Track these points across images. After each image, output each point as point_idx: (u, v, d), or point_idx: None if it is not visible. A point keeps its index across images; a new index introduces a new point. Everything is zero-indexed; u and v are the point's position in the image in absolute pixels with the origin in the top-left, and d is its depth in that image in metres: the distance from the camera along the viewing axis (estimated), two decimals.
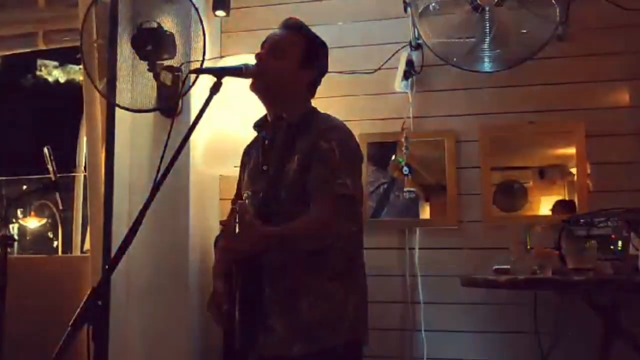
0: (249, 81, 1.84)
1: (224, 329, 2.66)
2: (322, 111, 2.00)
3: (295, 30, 1.94)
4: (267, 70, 1.85)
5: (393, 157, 2.80)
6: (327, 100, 2.07)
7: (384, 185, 2.83)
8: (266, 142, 1.94)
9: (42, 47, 3.46)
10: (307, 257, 1.76)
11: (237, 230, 1.60)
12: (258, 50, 1.91)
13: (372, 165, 2.81)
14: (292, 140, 1.84)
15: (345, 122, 1.96)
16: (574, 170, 2.66)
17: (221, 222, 1.66)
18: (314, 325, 1.76)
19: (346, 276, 1.82)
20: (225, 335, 2.66)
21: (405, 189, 2.77)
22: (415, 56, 2.79)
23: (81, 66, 2.72)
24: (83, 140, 3.90)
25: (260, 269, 1.79)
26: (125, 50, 2.42)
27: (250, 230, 1.61)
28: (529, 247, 2.34)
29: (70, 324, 1.34)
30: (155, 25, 2.40)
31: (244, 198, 1.86)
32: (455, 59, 2.59)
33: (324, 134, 1.80)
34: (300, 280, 1.77)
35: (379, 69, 2.81)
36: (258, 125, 2.00)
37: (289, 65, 1.88)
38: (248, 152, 2.08)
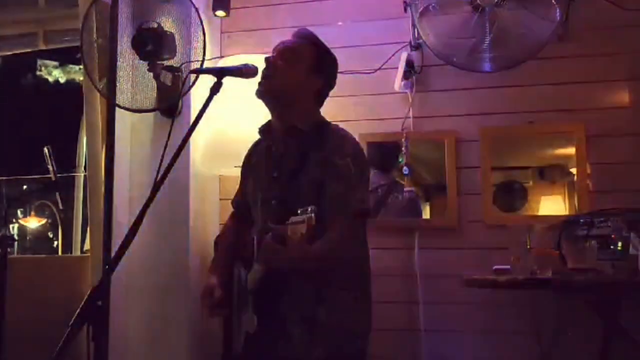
0: (249, 81, 1.84)
1: (224, 331, 2.67)
2: (323, 112, 2.01)
3: (307, 39, 1.98)
4: (276, 72, 1.88)
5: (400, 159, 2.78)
6: (327, 100, 2.07)
7: (384, 187, 2.82)
8: (274, 149, 1.95)
9: (42, 47, 3.46)
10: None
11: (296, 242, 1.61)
12: (258, 50, 1.92)
13: (371, 165, 2.79)
14: (305, 151, 1.86)
15: (345, 123, 1.97)
16: (574, 170, 2.65)
17: (281, 229, 1.67)
18: (332, 332, 1.80)
19: (358, 285, 1.89)
20: (225, 336, 2.66)
21: (405, 189, 2.77)
22: (415, 56, 2.79)
23: (81, 66, 2.71)
24: (83, 140, 3.90)
25: (280, 277, 1.81)
26: (125, 50, 2.41)
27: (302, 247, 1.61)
28: (529, 247, 2.34)
29: (70, 324, 1.34)
30: (155, 25, 2.40)
31: (309, 212, 1.65)
32: (455, 59, 2.59)
33: (337, 149, 1.85)
34: (318, 290, 1.82)
35: (379, 69, 2.81)
36: (263, 131, 2.01)
37: (298, 69, 1.91)
38: (251, 156, 2.08)
